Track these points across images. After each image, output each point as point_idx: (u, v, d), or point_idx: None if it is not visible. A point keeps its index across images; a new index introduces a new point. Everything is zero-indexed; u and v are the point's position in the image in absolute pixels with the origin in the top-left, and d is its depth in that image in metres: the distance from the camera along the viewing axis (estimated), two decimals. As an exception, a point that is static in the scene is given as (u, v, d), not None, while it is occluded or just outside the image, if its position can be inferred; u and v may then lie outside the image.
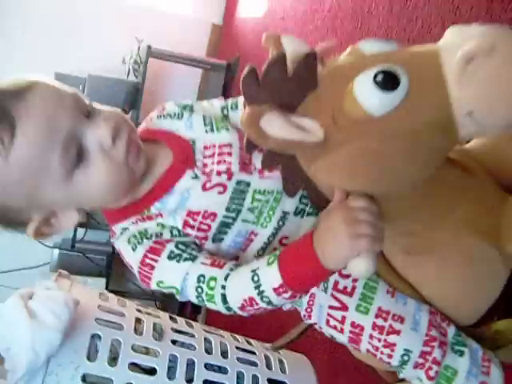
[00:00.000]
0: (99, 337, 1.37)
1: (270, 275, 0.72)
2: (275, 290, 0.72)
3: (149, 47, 3.34)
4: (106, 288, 3.26)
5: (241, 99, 0.91)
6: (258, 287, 0.73)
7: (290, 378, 1.58)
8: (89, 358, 1.32)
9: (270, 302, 0.74)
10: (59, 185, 0.75)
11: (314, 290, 0.85)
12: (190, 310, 3.14)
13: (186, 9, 3.99)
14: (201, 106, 0.91)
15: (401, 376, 0.85)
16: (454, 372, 0.81)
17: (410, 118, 0.59)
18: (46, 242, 2.99)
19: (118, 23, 3.75)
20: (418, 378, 0.83)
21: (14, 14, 3.64)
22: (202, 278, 0.76)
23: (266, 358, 1.60)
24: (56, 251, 3.24)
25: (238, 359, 1.53)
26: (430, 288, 0.82)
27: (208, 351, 1.50)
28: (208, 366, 1.46)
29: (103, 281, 3.33)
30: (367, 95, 0.59)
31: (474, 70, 0.56)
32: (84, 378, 1.30)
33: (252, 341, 1.68)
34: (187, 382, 1.40)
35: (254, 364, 1.55)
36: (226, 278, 0.76)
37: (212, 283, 0.76)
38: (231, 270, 0.76)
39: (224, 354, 1.52)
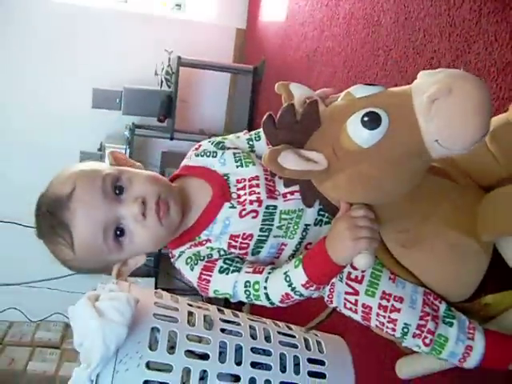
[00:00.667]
0: (158, 329, 1.56)
1: (298, 275, 0.93)
2: (303, 285, 0.93)
3: (179, 58, 3.54)
4: (156, 286, 3.47)
5: (262, 130, 1.10)
6: (290, 285, 0.94)
7: (328, 356, 1.76)
8: (150, 348, 1.52)
9: (301, 295, 0.95)
10: (116, 252, 0.99)
11: (333, 280, 1.06)
12: (235, 303, 3.30)
13: (211, 16, 4.16)
14: (230, 143, 1.11)
15: (403, 344, 1.06)
16: (446, 339, 1.02)
17: (391, 147, 0.79)
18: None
19: (147, 36, 3.93)
20: (417, 346, 1.03)
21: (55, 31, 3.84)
22: (248, 284, 0.98)
23: (305, 340, 1.78)
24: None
25: (280, 342, 1.71)
26: (423, 274, 1.04)
27: (253, 337, 1.69)
28: (254, 350, 1.65)
29: (152, 280, 3.54)
30: (357, 132, 0.79)
31: (437, 108, 0.74)
32: (148, 365, 1.51)
33: (292, 326, 1.86)
34: (237, 364, 1.59)
35: (295, 346, 1.73)
36: (266, 281, 0.96)
37: (256, 286, 0.97)
38: (269, 273, 0.97)
39: (267, 339, 1.71)
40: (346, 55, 2.23)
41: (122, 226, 0.97)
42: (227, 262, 1.00)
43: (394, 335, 1.04)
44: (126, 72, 3.76)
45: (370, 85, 0.84)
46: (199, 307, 1.74)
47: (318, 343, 1.81)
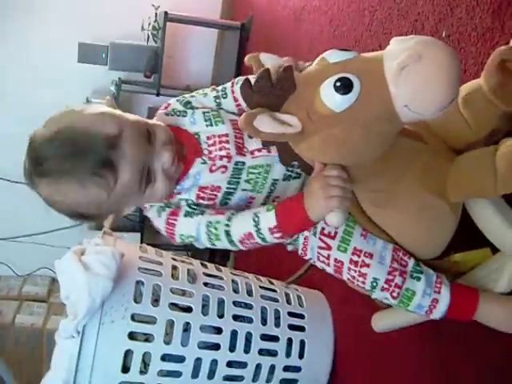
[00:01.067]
0: (142, 283, 1.61)
1: (268, 218, 0.97)
2: (270, 229, 0.97)
3: (165, 13, 3.49)
4: (141, 241, 3.52)
5: (228, 86, 1.15)
6: (256, 225, 0.98)
7: (308, 310, 1.83)
8: (135, 301, 1.57)
9: (263, 239, 1.00)
10: (135, 199, 1.04)
11: (307, 233, 1.12)
12: (219, 258, 3.37)
13: (198, -30, 4.10)
14: (198, 102, 1.13)
15: (373, 297, 1.12)
16: (413, 292, 1.08)
17: (363, 111, 0.82)
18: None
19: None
20: (386, 298, 1.10)
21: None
22: (209, 224, 1.02)
23: (286, 294, 1.84)
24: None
25: (262, 296, 1.77)
26: (395, 233, 1.09)
27: (235, 291, 1.74)
28: (236, 303, 1.70)
29: (138, 235, 3.58)
30: (330, 97, 0.83)
31: (406, 74, 0.77)
32: (133, 317, 1.56)
33: (273, 280, 1.92)
34: (219, 317, 1.65)
35: (276, 300, 1.79)
36: (229, 219, 1.01)
37: (217, 225, 1.01)
38: (232, 214, 1.02)
39: (249, 293, 1.76)
40: (332, 14, 2.24)
41: (151, 172, 1.00)
42: (192, 206, 1.05)
43: (363, 288, 1.10)
44: (113, 27, 3.71)
45: (344, 50, 0.87)
46: (183, 261, 1.78)
47: (299, 297, 1.86)
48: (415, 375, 1.43)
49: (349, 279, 1.11)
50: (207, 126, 1.09)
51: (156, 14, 3.61)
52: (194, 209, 1.04)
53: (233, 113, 1.13)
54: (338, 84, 0.81)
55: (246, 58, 1.04)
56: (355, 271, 1.09)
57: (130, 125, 0.99)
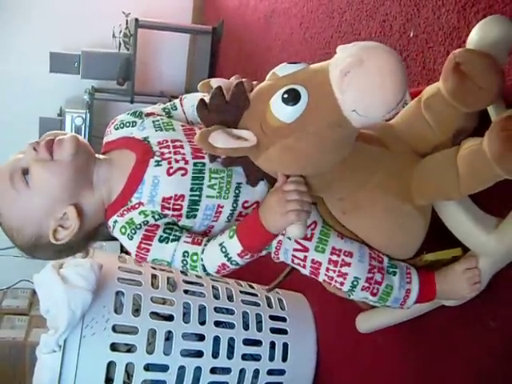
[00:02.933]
0: (123, 293, 1.61)
1: (233, 245, 0.98)
2: (239, 254, 0.98)
3: (136, 20, 3.50)
4: (121, 249, 3.49)
5: (177, 101, 1.18)
6: (226, 255, 0.99)
7: (289, 313, 1.84)
8: (116, 312, 1.57)
9: (237, 264, 1.01)
10: (27, 194, 1.02)
11: (280, 237, 1.11)
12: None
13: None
14: (150, 109, 1.15)
15: (351, 298, 1.12)
16: (391, 288, 1.11)
17: (313, 120, 0.84)
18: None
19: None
20: (365, 297, 1.11)
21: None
22: (186, 254, 1.01)
23: (267, 298, 1.85)
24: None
25: (243, 301, 1.78)
26: (365, 237, 1.11)
27: (216, 297, 1.75)
28: (217, 309, 1.71)
29: (117, 243, 3.55)
30: (279, 109, 0.85)
31: (350, 80, 0.79)
32: (114, 328, 1.56)
33: (254, 285, 1.92)
34: (200, 324, 1.65)
35: (257, 304, 1.80)
36: (203, 252, 1.00)
37: (194, 257, 1.01)
38: (205, 245, 1.01)
39: (230, 298, 1.77)
40: (302, 17, 2.25)
41: (25, 166, 1.01)
42: (167, 231, 1.02)
43: (340, 289, 1.11)
44: (84, 35, 3.69)
45: (294, 63, 0.89)
46: (162, 270, 1.78)
47: (280, 301, 1.87)
48: (399, 375, 1.44)
49: (325, 280, 1.12)
50: (156, 130, 1.08)
51: (127, 21, 3.61)
52: (169, 233, 1.01)
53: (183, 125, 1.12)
54: (286, 96, 0.84)
55: (198, 86, 1.07)
56: (334, 271, 1.09)
57: None
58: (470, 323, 1.18)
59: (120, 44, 3.65)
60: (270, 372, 1.74)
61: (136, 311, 1.60)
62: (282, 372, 1.76)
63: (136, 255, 1.04)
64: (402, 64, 0.79)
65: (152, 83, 4.07)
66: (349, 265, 1.08)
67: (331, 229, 1.11)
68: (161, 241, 1.01)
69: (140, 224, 1.01)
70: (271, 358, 1.73)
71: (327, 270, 1.10)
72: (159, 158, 1.03)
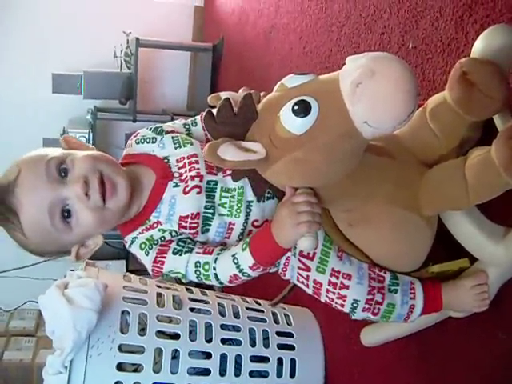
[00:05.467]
0: (128, 312, 1.60)
1: (245, 258, 0.98)
2: (250, 267, 0.98)
3: (137, 39, 3.52)
4: (127, 268, 3.49)
5: (198, 117, 1.18)
6: (238, 267, 0.99)
7: (296, 328, 1.82)
8: (122, 331, 1.56)
9: (249, 276, 1.01)
10: (65, 234, 1.01)
11: (288, 254, 1.11)
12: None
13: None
14: (169, 126, 1.16)
15: (353, 317, 1.11)
16: (393, 306, 1.09)
17: (324, 132, 0.83)
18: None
19: (105, 19, 3.89)
20: (367, 317, 1.10)
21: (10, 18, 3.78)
22: (198, 264, 1.02)
23: (274, 314, 1.83)
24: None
25: (249, 318, 1.76)
26: (371, 250, 1.09)
27: (222, 314, 1.73)
28: (223, 327, 1.69)
29: (123, 262, 3.56)
30: (289, 121, 0.84)
31: (361, 91, 0.78)
32: (120, 348, 1.54)
33: (260, 301, 1.91)
34: (207, 341, 1.64)
35: (263, 320, 1.78)
36: (215, 261, 1.01)
37: (206, 266, 1.01)
38: (218, 254, 1.01)
39: (236, 315, 1.75)
40: (301, 31, 2.25)
41: (68, 207, 1.00)
42: (180, 244, 1.04)
43: (342, 310, 1.10)
44: (85, 55, 3.72)
45: (302, 74, 0.88)
46: (168, 288, 1.77)
47: (286, 316, 1.86)
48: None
49: (326, 301, 1.11)
50: (176, 148, 1.09)
51: (128, 40, 3.62)
52: (182, 246, 1.04)
53: (201, 141, 1.14)
54: (296, 107, 0.82)
55: (208, 99, 1.07)
56: (334, 293, 1.09)
57: (26, 167, 1.00)
58: (478, 334, 1.17)
59: (121, 63, 3.66)
60: (278, 389, 1.72)
61: (142, 330, 1.59)
62: (290, 388, 1.74)
63: (152, 270, 1.06)
64: (413, 74, 0.78)
65: (154, 101, 4.08)
66: (347, 287, 1.08)
67: (331, 248, 1.11)
68: (175, 253, 1.03)
69: (157, 240, 1.04)
70: (279, 375, 1.71)
71: (327, 291, 1.10)
72: (177, 181, 1.05)
